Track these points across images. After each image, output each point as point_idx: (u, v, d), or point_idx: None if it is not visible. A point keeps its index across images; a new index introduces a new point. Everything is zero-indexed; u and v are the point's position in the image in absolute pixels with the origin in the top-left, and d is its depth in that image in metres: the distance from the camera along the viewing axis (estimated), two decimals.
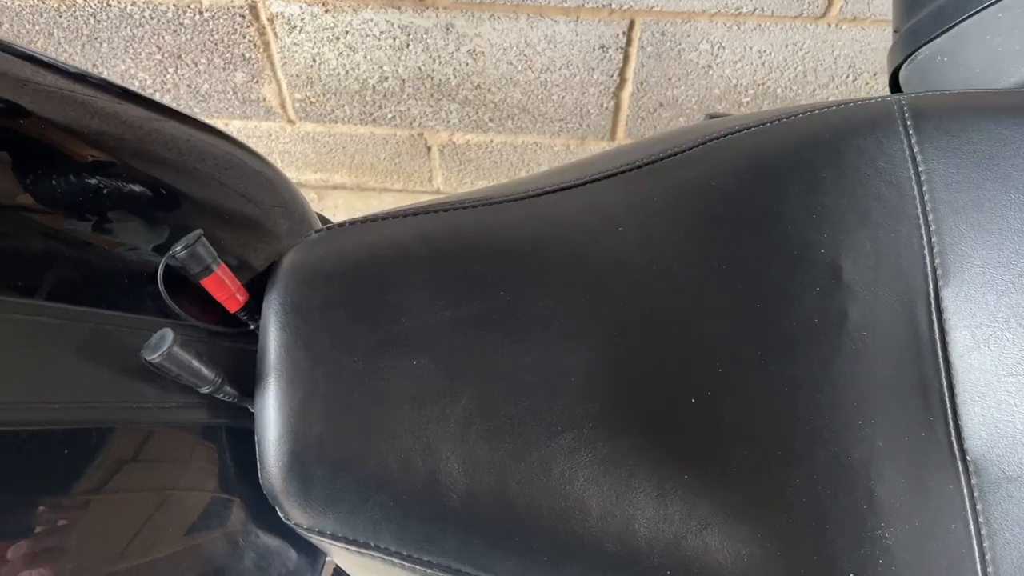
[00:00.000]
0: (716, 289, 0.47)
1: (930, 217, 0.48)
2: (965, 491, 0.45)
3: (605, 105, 1.21)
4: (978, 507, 0.45)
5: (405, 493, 0.39)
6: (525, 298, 0.43)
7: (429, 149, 1.32)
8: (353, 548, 0.38)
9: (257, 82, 1.22)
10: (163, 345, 0.35)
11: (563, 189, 0.49)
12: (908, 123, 0.50)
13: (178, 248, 0.38)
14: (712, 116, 0.63)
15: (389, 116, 1.26)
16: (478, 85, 1.19)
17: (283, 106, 1.26)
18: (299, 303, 0.40)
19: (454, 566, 0.39)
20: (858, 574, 0.44)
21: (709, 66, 1.14)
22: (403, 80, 1.19)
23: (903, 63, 0.65)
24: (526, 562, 0.40)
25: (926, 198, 0.49)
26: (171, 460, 0.39)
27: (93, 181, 0.40)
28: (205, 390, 0.38)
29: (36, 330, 0.35)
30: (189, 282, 0.40)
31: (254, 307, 0.41)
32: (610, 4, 1.06)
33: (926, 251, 0.48)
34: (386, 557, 0.39)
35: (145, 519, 0.38)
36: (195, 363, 0.37)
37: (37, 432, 0.34)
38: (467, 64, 1.16)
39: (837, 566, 0.44)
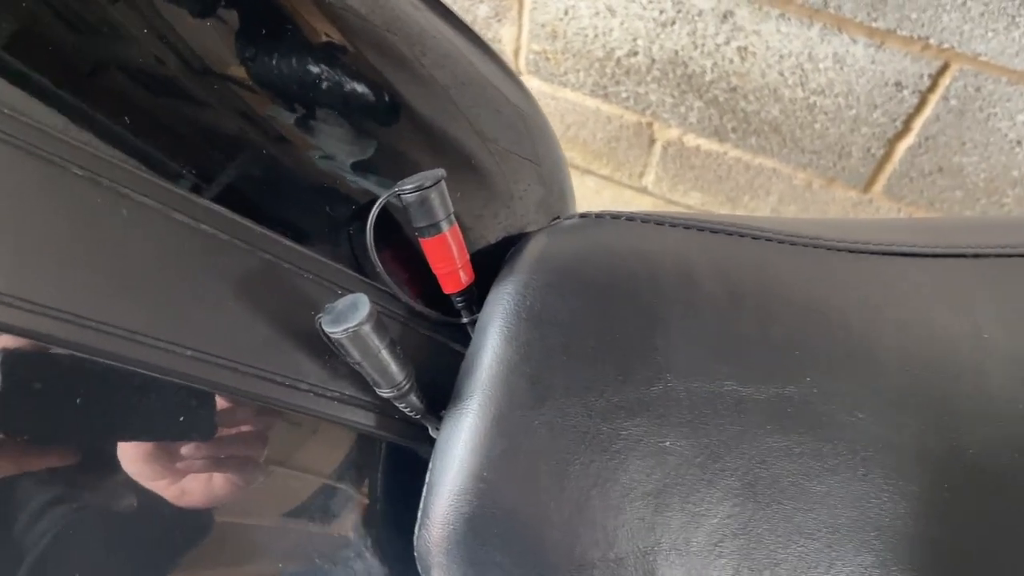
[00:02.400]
0: None
1: None
2: None
3: (873, 151, 1.03)
4: None
5: None
6: (837, 397, 0.30)
7: (653, 142, 1.19)
8: None
9: (499, 20, 1.12)
10: (353, 317, 0.24)
11: (911, 255, 0.35)
12: None
13: (408, 186, 0.27)
14: None
15: (623, 95, 1.13)
16: (734, 88, 1.04)
17: (516, 54, 1.16)
18: (540, 311, 0.28)
19: None
20: None
21: (1019, 142, 0.95)
22: (653, 60, 1.06)
23: None
24: None
25: None
26: (302, 454, 0.29)
27: (316, 68, 0.29)
28: (385, 393, 0.27)
29: (194, 241, 0.25)
30: (394, 238, 0.29)
31: (474, 295, 0.30)
32: (928, 38, 0.89)
33: None
34: None
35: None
36: (384, 353, 0.26)
37: (149, 382, 0.24)
38: (731, 61, 1.01)
39: None
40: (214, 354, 0.25)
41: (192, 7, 0.27)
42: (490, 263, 0.31)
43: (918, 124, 0.98)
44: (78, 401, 0.24)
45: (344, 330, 0.24)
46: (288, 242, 0.27)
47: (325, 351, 0.27)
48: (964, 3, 0.84)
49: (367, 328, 0.24)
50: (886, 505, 0.29)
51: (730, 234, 0.32)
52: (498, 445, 0.26)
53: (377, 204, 0.27)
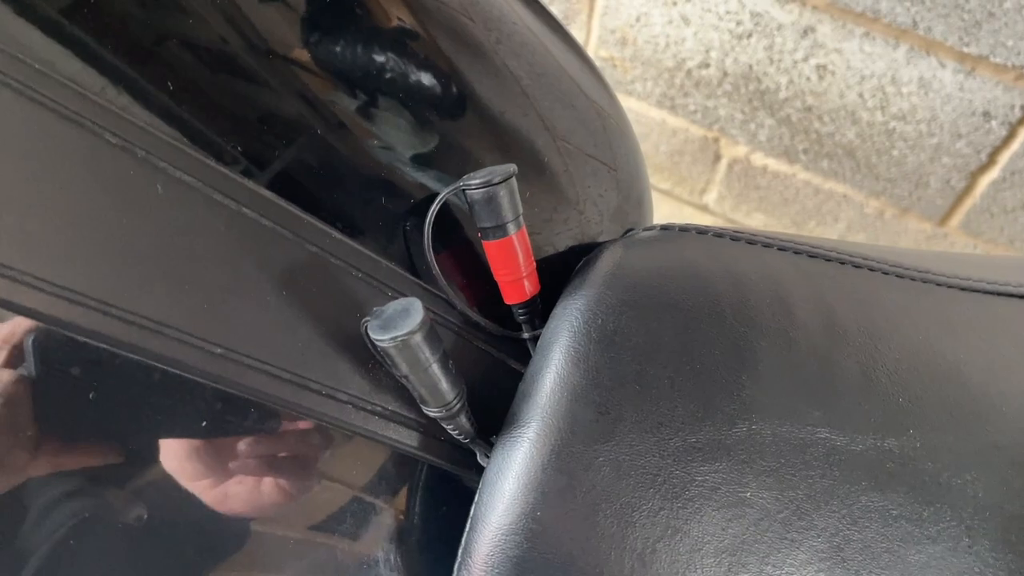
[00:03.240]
0: None
1: None
2: None
3: (953, 183, 0.98)
4: None
5: None
6: (944, 454, 0.26)
7: (718, 159, 1.15)
8: None
9: (568, 23, 1.09)
10: (404, 325, 0.21)
11: (1001, 293, 0.31)
12: None
13: (475, 180, 0.24)
14: None
15: (691, 108, 1.09)
16: (809, 108, 1.00)
17: None
18: (612, 332, 0.24)
19: None
20: None
21: None
22: (725, 73, 1.02)
23: None
24: None
25: None
26: (336, 468, 0.26)
27: (383, 54, 0.27)
28: (432, 412, 0.24)
29: (235, 226, 0.22)
30: (454, 237, 0.26)
31: (539, 309, 0.26)
32: (1022, 66, 0.83)
33: None
34: None
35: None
36: (435, 368, 0.22)
37: (168, 379, 0.21)
38: (808, 79, 0.97)
39: None
40: (247, 354, 0.22)
41: None
42: (556, 274, 0.28)
43: (1004, 157, 0.92)
44: (117, 389, 0.21)
45: (392, 338, 0.21)
46: (338, 235, 0.24)
47: (369, 359, 0.24)
48: None
49: (418, 338, 0.21)
50: None
51: (829, 260, 0.28)
52: (556, 481, 0.23)
53: (439, 198, 0.24)
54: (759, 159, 1.10)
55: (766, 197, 1.16)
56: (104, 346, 0.20)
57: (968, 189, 0.98)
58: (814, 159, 1.06)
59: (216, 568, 0.25)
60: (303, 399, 0.23)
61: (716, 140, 1.12)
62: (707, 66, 1.03)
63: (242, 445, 0.24)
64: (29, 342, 0.20)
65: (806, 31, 0.92)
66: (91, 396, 0.21)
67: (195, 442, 0.23)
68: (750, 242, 0.28)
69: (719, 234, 0.28)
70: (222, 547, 0.25)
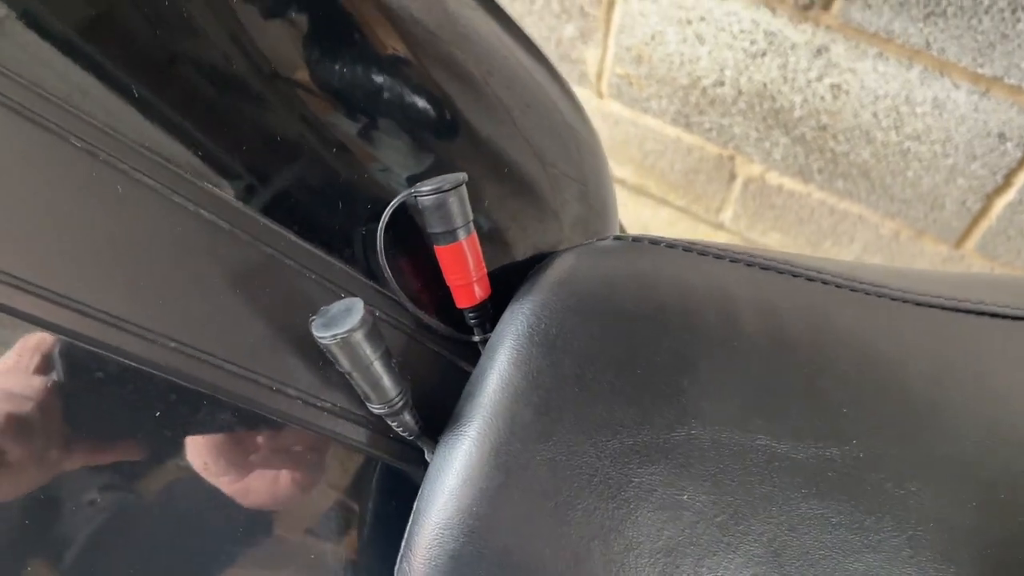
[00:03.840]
0: None
1: None
2: None
3: (968, 204, 0.97)
4: None
5: None
6: (887, 463, 0.26)
7: (733, 178, 1.15)
8: None
9: (585, 41, 1.10)
10: (345, 323, 0.22)
11: (992, 315, 0.31)
12: None
13: (425, 188, 0.25)
14: None
15: (706, 126, 1.10)
16: (824, 127, 1.00)
17: (599, 76, 1.14)
18: (555, 336, 0.25)
19: None
20: None
21: None
22: (740, 92, 1.02)
23: None
24: None
25: None
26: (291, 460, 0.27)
27: (380, 79, 0.28)
28: (376, 409, 0.25)
29: (191, 226, 0.23)
30: (410, 243, 0.27)
31: (489, 312, 0.27)
32: None
33: None
34: None
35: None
36: (377, 366, 0.23)
37: (125, 372, 0.22)
38: (823, 99, 0.97)
39: None
40: (200, 348, 0.23)
41: (263, 8, 0.26)
42: (514, 279, 0.28)
43: (1020, 179, 0.91)
44: (141, 390, 0.23)
45: (333, 335, 0.22)
46: (294, 238, 0.25)
47: (320, 358, 0.25)
48: None
49: (358, 336, 0.22)
50: None
51: (781, 272, 0.29)
52: (494, 479, 0.24)
53: (391, 204, 0.25)
54: (774, 178, 1.10)
55: (781, 216, 1.16)
56: (62, 337, 0.21)
57: (984, 211, 0.97)
58: (829, 179, 1.05)
59: (236, 563, 0.26)
60: (255, 394, 0.24)
61: (731, 158, 1.12)
62: (722, 84, 1.03)
63: (264, 437, 0.25)
64: (56, 350, 0.22)
65: (820, 51, 0.93)
66: (116, 397, 0.22)
67: (220, 437, 0.24)
68: (701, 253, 0.28)
69: (672, 245, 0.28)
70: (246, 541, 0.26)
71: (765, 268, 0.29)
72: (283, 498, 0.26)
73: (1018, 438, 0.28)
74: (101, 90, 0.23)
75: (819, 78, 0.95)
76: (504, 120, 0.32)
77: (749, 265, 0.29)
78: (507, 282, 0.28)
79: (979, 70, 0.85)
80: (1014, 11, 0.79)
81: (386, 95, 0.28)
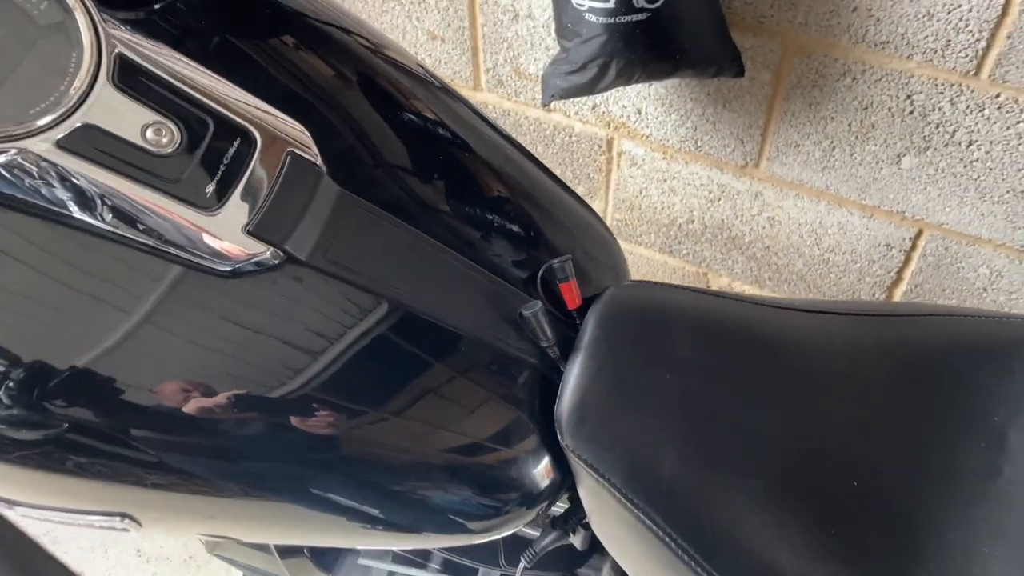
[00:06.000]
0: (905, 418, 0.63)
1: None
2: None
3: (877, 295, 1.35)
4: None
5: (635, 458, 0.58)
6: (760, 376, 0.62)
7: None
8: (593, 474, 0.58)
9: (591, 196, 1.51)
10: (534, 308, 0.59)
11: (808, 311, 0.68)
12: None
13: (555, 262, 0.63)
14: None
15: (684, 252, 1.49)
16: (768, 247, 1.39)
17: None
18: (609, 319, 0.62)
19: (652, 516, 0.58)
20: None
21: (985, 289, 1.25)
22: (706, 226, 1.43)
23: None
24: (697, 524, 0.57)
25: None
26: (498, 372, 0.62)
27: (490, 215, 0.66)
28: (543, 344, 0.61)
29: (473, 281, 0.60)
30: (549, 283, 0.64)
31: (583, 310, 0.64)
32: (903, 212, 1.22)
33: None
34: (612, 490, 0.58)
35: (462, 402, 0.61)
36: (545, 326, 0.60)
37: (441, 333, 0.58)
38: (764, 228, 1.37)
39: None
40: (474, 327, 0.59)
41: (425, 182, 0.64)
42: (588, 300, 0.65)
43: (907, 275, 1.30)
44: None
45: (531, 313, 0.59)
46: (502, 281, 0.62)
47: (519, 328, 0.61)
48: (925, 188, 1.18)
49: (539, 314, 0.59)
50: (778, 427, 0.61)
51: (717, 296, 0.66)
52: (591, 370, 0.60)
53: (542, 268, 0.62)
54: (738, 286, 1.49)
55: None
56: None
57: (889, 299, 1.35)
58: (777, 284, 1.44)
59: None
60: (494, 343, 0.60)
61: (705, 274, 1.51)
62: (692, 222, 1.43)
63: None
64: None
65: (756, 195, 1.33)
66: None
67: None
68: (675, 288, 0.65)
69: (662, 285, 0.66)
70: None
71: (709, 295, 0.66)
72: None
73: (802, 375, 0.64)
74: None
75: (759, 213, 1.36)
76: (566, 233, 0.69)
77: (716, 296, 0.66)
78: (587, 302, 0.64)
79: (864, 201, 1.25)
80: (878, 162, 1.20)
81: (495, 221, 0.66)
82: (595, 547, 0.80)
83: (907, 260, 1.28)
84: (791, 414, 0.62)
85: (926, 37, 1.03)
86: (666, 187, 1.41)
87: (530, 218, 0.66)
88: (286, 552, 0.70)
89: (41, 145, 0.42)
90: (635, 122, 1.34)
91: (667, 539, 0.57)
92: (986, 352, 0.66)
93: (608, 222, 1.54)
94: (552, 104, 1.38)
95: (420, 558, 0.94)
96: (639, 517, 0.57)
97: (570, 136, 1.43)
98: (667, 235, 1.49)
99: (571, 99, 1.29)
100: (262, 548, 0.70)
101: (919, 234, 1.24)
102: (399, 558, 0.90)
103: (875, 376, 0.65)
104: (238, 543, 0.69)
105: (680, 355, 0.62)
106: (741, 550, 0.58)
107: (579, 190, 1.52)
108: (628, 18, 1.00)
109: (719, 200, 1.38)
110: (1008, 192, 1.12)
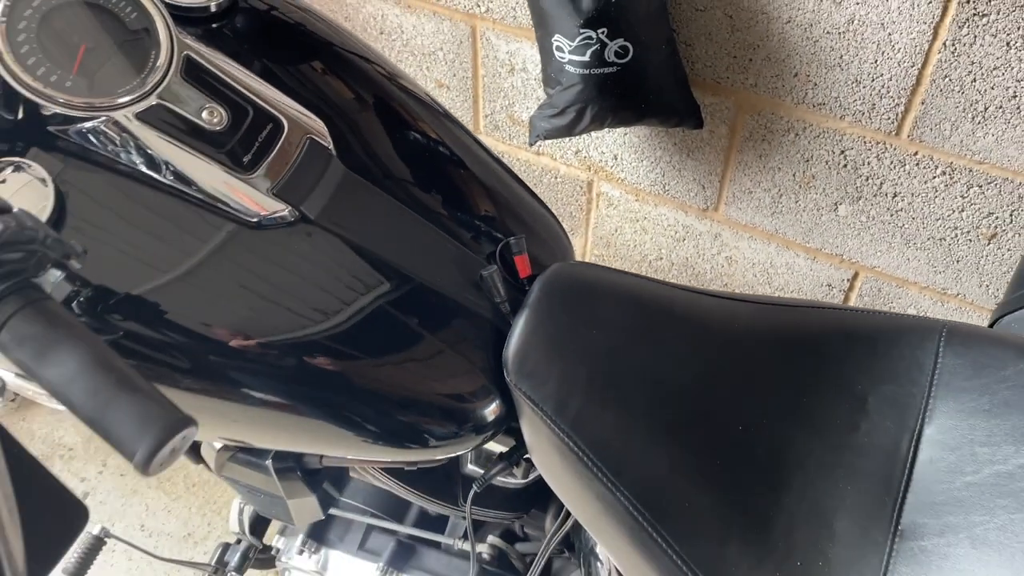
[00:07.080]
0: (786, 382, 0.78)
1: (934, 383, 0.76)
2: (887, 547, 0.70)
3: None
4: (892, 555, 0.69)
5: (564, 392, 0.74)
6: (670, 340, 0.78)
7: None
8: (530, 404, 0.73)
9: (573, 233, 1.69)
10: (491, 271, 0.76)
11: (718, 297, 0.84)
12: (943, 335, 0.79)
13: (512, 239, 0.79)
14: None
15: None
16: (726, 284, 1.55)
17: (583, 255, 1.72)
18: (552, 286, 0.78)
19: (574, 439, 0.73)
20: (803, 562, 0.70)
21: None
22: (672, 263, 1.59)
23: (1004, 316, 0.92)
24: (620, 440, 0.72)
25: (936, 375, 0.77)
26: (460, 320, 0.78)
27: (464, 201, 0.82)
28: (497, 300, 0.77)
29: (446, 248, 0.77)
30: (506, 256, 0.80)
31: (532, 280, 0.80)
32: (842, 255, 1.39)
33: (923, 404, 0.75)
34: (544, 418, 0.73)
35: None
36: (500, 286, 0.76)
37: (417, 285, 0.74)
38: (722, 266, 1.54)
39: (790, 555, 0.71)
40: (450, 282, 0.76)
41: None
42: (537, 272, 0.81)
43: None
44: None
45: (488, 273, 0.75)
46: (470, 252, 0.78)
47: (479, 287, 0.77)
48: (859, 234, 1.35)
49: (495, 275, 0.75)
50: (681, 380, 0.77)
51: (647, 280, 0.82)
52: (532, 323, 0.76)
53: (501, 244, 0.78)
54: None
55: None
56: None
57: None
58: None
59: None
60: (457, 296, 0.76)
61: None
62: (661, 259, 1.60)
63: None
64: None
65: (716, 236, 1.50)
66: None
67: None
68: (611, 270, 0.81)
69: (601, 268, 0.82)
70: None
71: (640, 278, 0.82)
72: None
73: (705, 340, 0.80)
74: None
75: (718, 253, 1.52)
76: (527, 226, 0.86)
77: (626, 275, 0.82)
78: (536, 273, 0.80)
79: (808, 244, 1.42)
80: (818, 209, 1.37)
81: (483, 227, 0.82)
82: (543, 491, 0.95)
83: (846, 299, 1.44)
84: (692, 372, 0.77)
85: (855, 101, 1.22)
86: (638, 227, 1.59)
87: (495, 206, 0.83)
88: (282, 472, 0.86)
89: (124, 116, 0.58)
90: (612, 167, 1.52)
91: (585, 459, 0.72)
92: (857, 336, 0.82)
93: (587, 257, 1.71)
94: (539, 148, 1.56)
95: (395, 515, 1.09)
96: (564, 441, 0.72)
97: (555, 177, 1.61)
98: (639, 269, 1.65)
99: (554, 140, 1.48)
100: (261, 470, 0.86)
101: (856, 276, 1.40)
102: (379, 510, 1.05)
103: (766, 349, 0.80)
104: (246, 455, 0.84)
105: (605, 318, 0.78)
106: (644, 474, 0.73)
107: None
108: (601, 70, 1.19)
109: (684, 240, 1.55)
110: (929, 239, 1.29)
